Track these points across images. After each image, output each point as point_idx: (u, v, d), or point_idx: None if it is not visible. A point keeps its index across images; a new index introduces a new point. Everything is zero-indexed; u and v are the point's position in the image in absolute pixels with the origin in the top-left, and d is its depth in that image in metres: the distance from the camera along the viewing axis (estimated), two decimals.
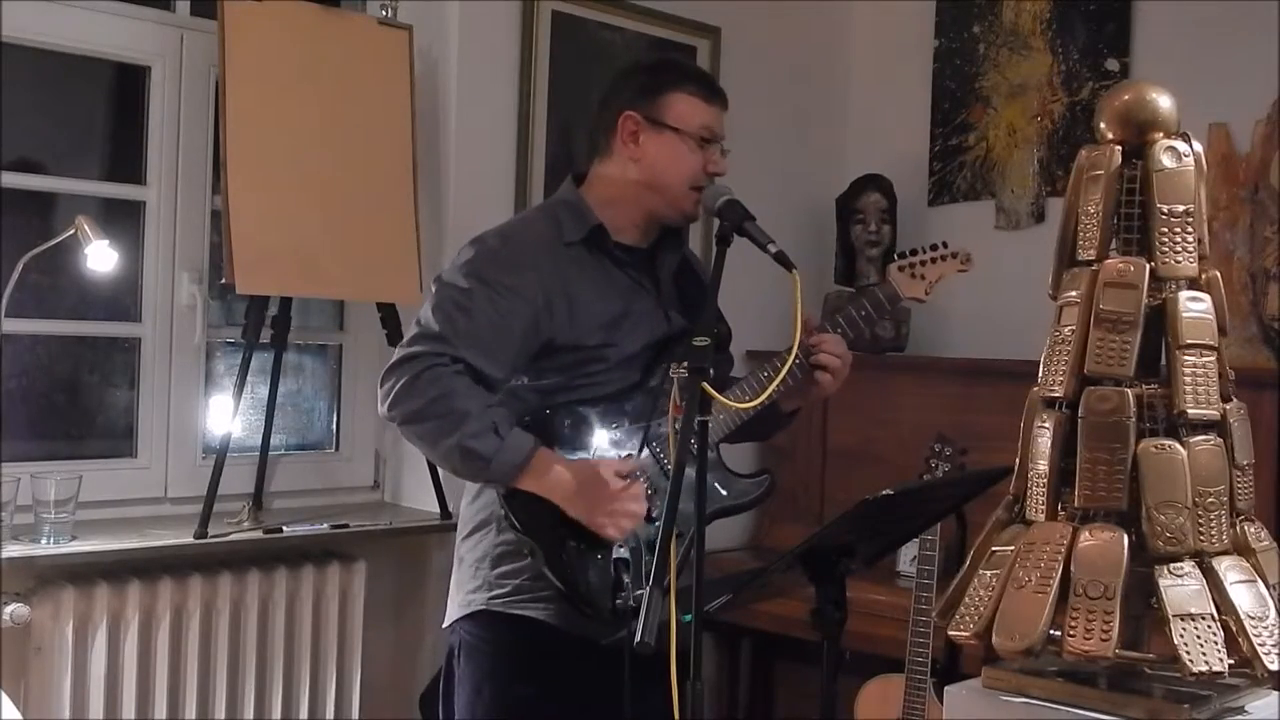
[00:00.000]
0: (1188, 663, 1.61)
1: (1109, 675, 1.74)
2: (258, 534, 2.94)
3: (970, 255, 2.28)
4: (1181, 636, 1.63)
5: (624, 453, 2.17)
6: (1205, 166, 1.81)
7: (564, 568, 2.08)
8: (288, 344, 3.16)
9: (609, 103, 2.26)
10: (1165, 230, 1.76)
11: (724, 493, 2.23)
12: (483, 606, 2.20)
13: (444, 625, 2.30)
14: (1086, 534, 1.71)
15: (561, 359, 2.17)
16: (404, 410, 2.08)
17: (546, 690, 2.16)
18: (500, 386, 2.14)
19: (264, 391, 3.16)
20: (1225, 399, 1.78)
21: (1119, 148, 1.80)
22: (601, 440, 2.16)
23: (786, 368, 2.08)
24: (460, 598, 2.25)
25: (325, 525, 3.04)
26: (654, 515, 2.14)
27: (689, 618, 1.68)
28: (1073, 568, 1.69)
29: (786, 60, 4.03)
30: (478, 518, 2.25)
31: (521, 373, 2.18)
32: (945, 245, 2.27)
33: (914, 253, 2.28)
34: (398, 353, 2.12)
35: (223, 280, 2.90)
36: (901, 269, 2.27)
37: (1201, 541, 1.70)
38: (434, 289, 2.17)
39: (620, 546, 2.11)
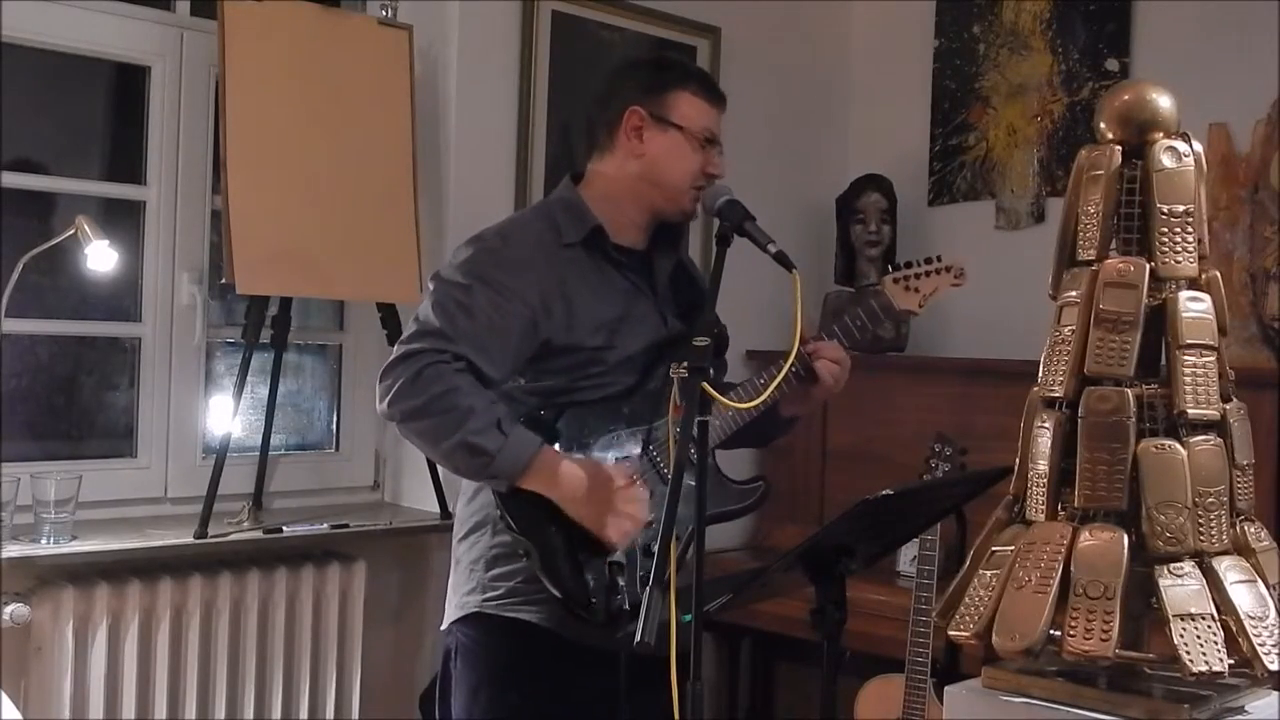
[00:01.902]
0: (1188, 663, 1.61)
1: (1109, 675, 1.74)
2: (258, 534, 2.94)
3: (964, 270, 2.27)
4: (1181, 636, 1.63)
5: (622, 455, 2.17)
6: (1205, 166, 1.81)
7: (559, 570, 2.07)
8: (288, 344, 3.15)
9: (612, 98, 2.25)
10: (1165, 230, 1.76)
11: (718, 499, 2.22)
12: (477, 609, 2.19)
13: (441, 628, 2.29)
14: (1086, 534, 1.71)
15: (559, 361, 2.16)
16: (404, 407, 2.06)
17: (542, 693, 2.15)
18: (497, 387, 2.13)
19: (264, 391, 3.16)
20: (1225, 399, 1.78)
21: (1119, 148, 1.80)
22: (599, 443, 2.16)
23: (786, 369, 2.08)
24: (456, 600, 2.24)
25: (325, 525, 3.04)
26: (650, 519, 2.13)
27: (689, 618, 1.68)
28: (1073, 568, 1.69)
29: (786, 60, 4.03)
30: (473, 519, 2.24)
31: (519, 375, 2.17)
32: (939, 259, 2.27)
33: (909, 265, 2.28)
34: (397, 349, 2.10)
35: (223, 280, 2.90)
36: (896, 281, 2.27)
37: (1201, 541, 1.70)
38: (432, 286, 2.15)
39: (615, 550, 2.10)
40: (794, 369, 2.15)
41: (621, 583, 2.08)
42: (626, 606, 2.06)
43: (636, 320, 2.22)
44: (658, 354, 2.21)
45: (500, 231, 2.23)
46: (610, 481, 2.06)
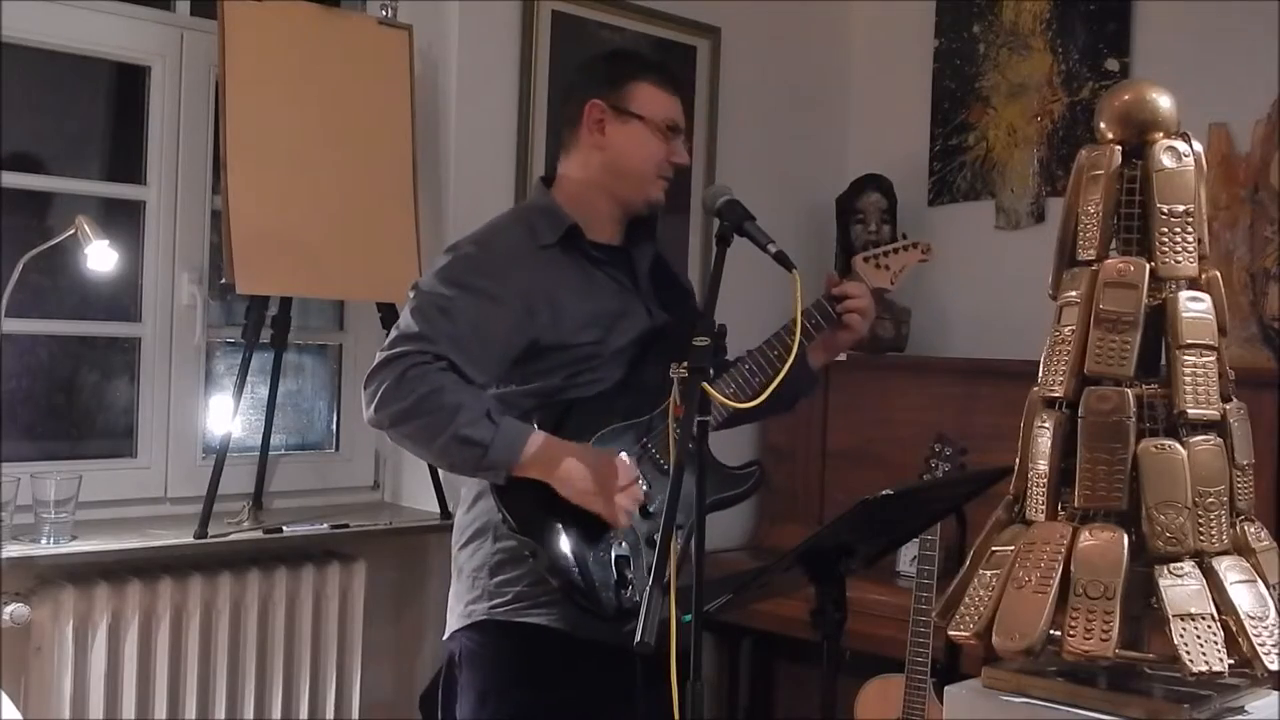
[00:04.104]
0: (1188, 663, 1.61)
1: (1109, 675, 1.74)
2: (258, 534, 2.94)
3: (930, 245, 2.37)
4: (1181, 636, 1.63)
5: (618, 448, 2.16)
6: (1205, 166, 1.81)
7: (565, 567, 2.07)
8: (288, 344, 3.16)
9: (572, 95, 2.28)
10: (1165, 230, 1.76)
11: (713, 486, 2.22)
12: (484, 617, 2.18)
13: (444, 637, 2.28)
14: (1086, 534, 1.71)
15: (548, 361, 2.16)
16: (392, 411, 2.05)
17: (553, 697, 2.14)
18: (481, 390, 2.13)
19: (264, 391, 3.16)
20: (1225, 399, 1.78)
21: (1119, 148, 1.80)
22: (594, 439, 2.15)
23: (785, 369, 2.08)
24: (460, 609, 2.23)
25: (325, 525, 3.04)
26: (650, 509, 2.13)
27: (689, 618, 1.68)
28: (1073, 568, 1.69)
29: (786, 60, 4.03)
30: (473, 526, 2.23)
31: (509, 378, 2.17)
32: (905, 237, 2.38)
33: (876, 245, 2.41)
34: (379, 356, 2.09)
35: (223, 280, 2.90)
36: (866, 260, 2.35)
37: (1201, 541, 1.70)
38: (411, 295, 2.15)
39: (619, 543, 2.10)
40: (812, 323, 2.24)
41: (630, 576, 2.08)
42: (636, 598, 2.06)
43: (622, 315, 2.22)
44: (645, 346, 2.22)
45: (476, 239, 2.22)
46: (606, 462, 2.07)
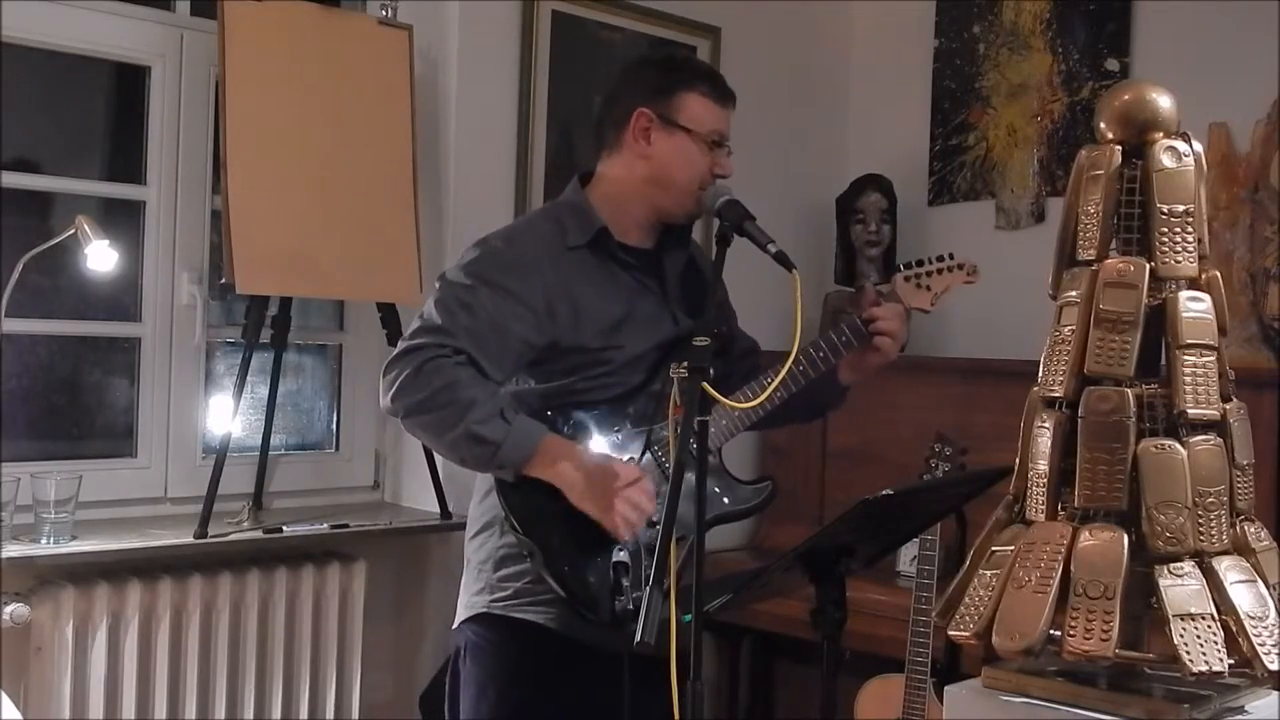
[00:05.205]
0: (1188, 663, 1.61)
1: (1109, 675, 1.74)
2: (258, 534, 2.94)
3: (976, 267, 2.28)
4: (1181, 636, 1.63)
5: (625, 455, 2.17)
6: (1205, 166, 1.81)
7: (562, 570, 2.07)
8: (288, 344, 3.16)
9: (620, 97, 2.25)
10: (1165, 230, 1.76)
11: (725, 499, 2.22)
12: (484, 609, 2.20)
13: (453, 627, 2.29)
14: (1086, 534, 1.71)
15: (566, 361, 2.16)
16: (408, 402, 2.06)
17: (548, 694, 2.15)
18: (497, 386, 2.14)
19: (264, 391, 3.16)
20: (1225, 399, 1.78)
21: (1119, 148, 1.80)
22: (603, 442, 2.16)
23: (785, 368, 2.08)
24: (466, 599, 2.25)
25: (325, 525, 3.04)
26: (654, 519, 2.13)
27: (689, 618, 1.68)
28: (1073, 568, 1.69)
29: (786, 60, 4.03)
30: (484, 518, 2.24)
31: (527, 375, 2.18)
32: (952, 257, 2.27)
33: (920, 263, 2.28)
34: (400, 345, 2.11)
35: (223, 280, 2.90)
36: (908, 279, 2.27)
37: (1201, 541, 1.70)
38: (437, 286, 2.16)
39: (619, 550, 2.10)
40: (842, 340, 2.20)
41: (626, 583, 2.08)
42: (631, 607, 2.06)
43: (644, 320, 2.22)
44: (666, 353, 2.21)
45: (506, 234, 2.23)
46: (617, 471, 2.06)
